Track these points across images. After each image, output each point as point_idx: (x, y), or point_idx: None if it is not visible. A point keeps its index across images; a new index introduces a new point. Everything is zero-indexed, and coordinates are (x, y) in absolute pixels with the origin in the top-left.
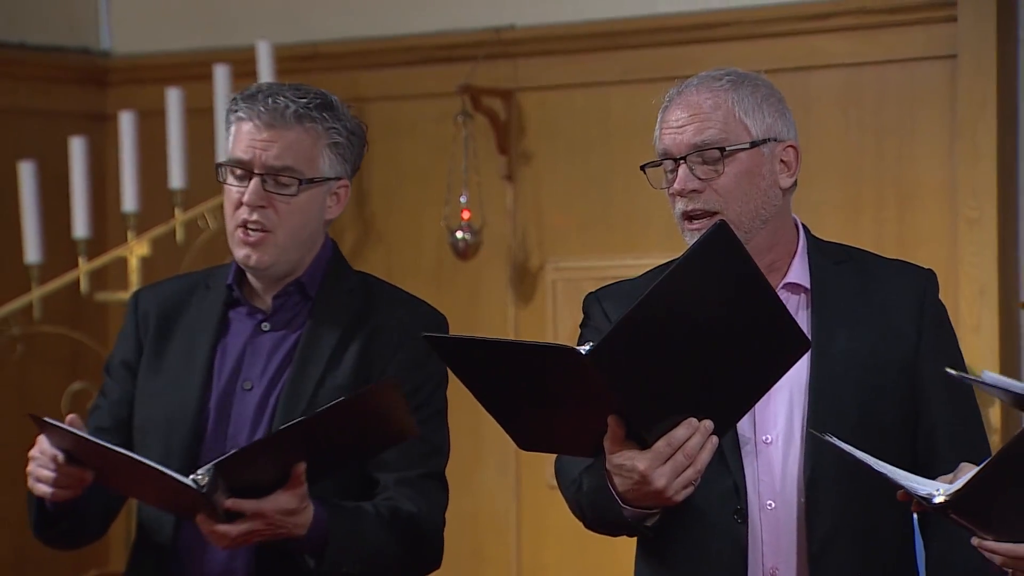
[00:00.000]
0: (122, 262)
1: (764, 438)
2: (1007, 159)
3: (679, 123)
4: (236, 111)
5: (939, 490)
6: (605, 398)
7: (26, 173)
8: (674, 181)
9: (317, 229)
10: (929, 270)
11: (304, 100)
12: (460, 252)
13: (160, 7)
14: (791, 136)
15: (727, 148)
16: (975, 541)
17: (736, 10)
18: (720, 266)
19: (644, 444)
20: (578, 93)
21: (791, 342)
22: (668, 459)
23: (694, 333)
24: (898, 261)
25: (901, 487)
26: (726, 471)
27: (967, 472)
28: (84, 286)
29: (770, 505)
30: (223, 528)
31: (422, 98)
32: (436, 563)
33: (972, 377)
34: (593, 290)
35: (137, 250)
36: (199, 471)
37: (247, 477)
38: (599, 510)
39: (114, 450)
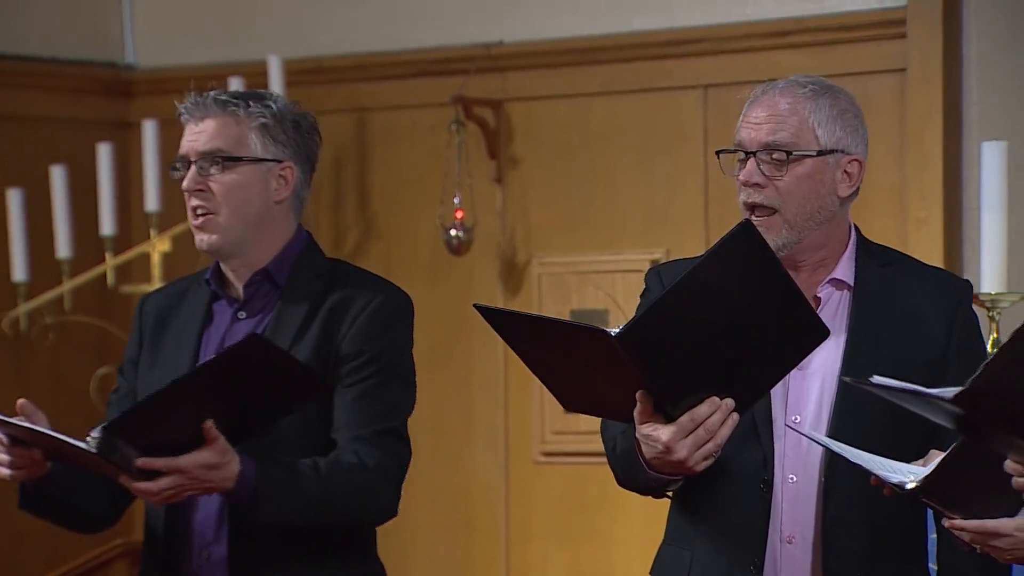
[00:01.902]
0: (145, 257)
1: (794, 418)
2: (952, 164)
3: (757, 120)
4: (180, 116)
5: (911, 476)
6: (634, 375)
7: (57, 176)
8: (743, 171)
9: (266, 210)
10: (966, 280)
11: (228, 93)
12: (454, 249)
13: (180, 25)
14: (859, 151)
15: (794, 152)
16: (945, 522)
17: (704, 28)
18: (743, 262)
19: (670, 417)
20: (561, 103)
21: (811, 330)
22: (690, 433)
23: (718, 320)
24: (939, 269)
25: (875, 475)
26: (757, 445)
27: (936, 457)
28: (111, 279)
29: (792, 479)
30: (143, 485)
31: (419, 108)
32: (388, 511)
33: (863, 382)
34: (655, 264)
35: (159, 246)
36: (92, 433)
37: (154, 436)
38: (628, 472)
39: (25, 427)
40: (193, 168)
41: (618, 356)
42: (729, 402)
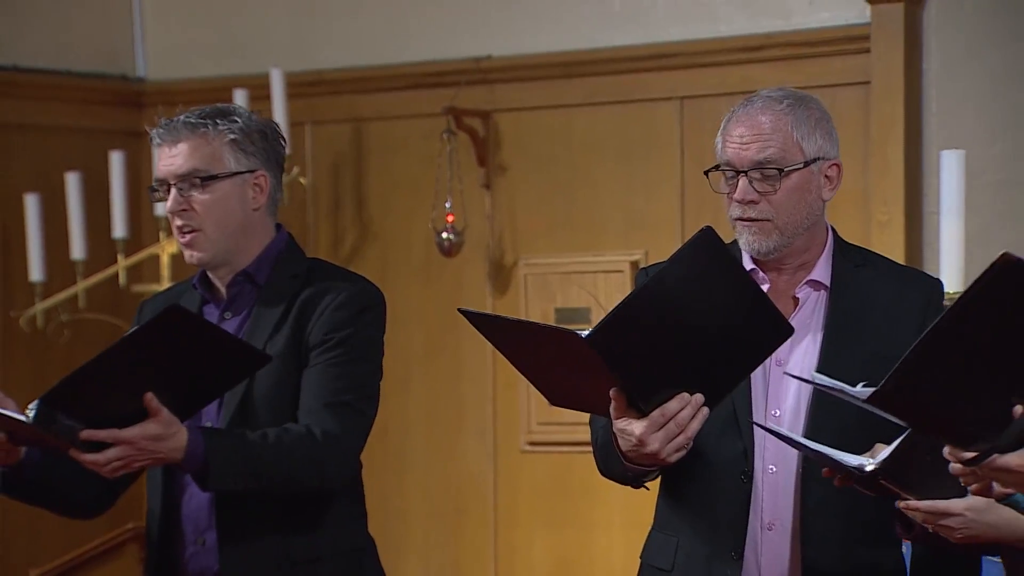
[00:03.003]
0: (155, 259)
1: (774, 412)
2: (913, 172)
3: (743, 139)
4: (151, 140)
5: (868, 461)
6: (607, 373)
7: (72, 182)
8: (734, 188)
9: (246, 219)
10: (937, 280)
11: (195, 114)
12: (445, 250)
13: (188, 40)
14: (836, 154)
15: (785, 168)
16: (901, 504)
17: (681, 43)
18: (706, 266)
19: (643, 412)
20: (546, 114)
21: (776, 328)
22: (662, 427)
23: (685, 321)
24: (912, 269)
25: (835, 461)
26: (738, 437)
27: (880, 450)
28: (122, 279)
29: (772, 469)
30: (91, 457)
31: (412, 118)
32: (336, 478)
33: (804, 378)
34: (644, 266)
35: (168, 248)
36: (30, 405)
37: (95, 409)
38: (607, 463)
39: None
40: (174, 191)
41: (591, 356)
42: (699, 397)
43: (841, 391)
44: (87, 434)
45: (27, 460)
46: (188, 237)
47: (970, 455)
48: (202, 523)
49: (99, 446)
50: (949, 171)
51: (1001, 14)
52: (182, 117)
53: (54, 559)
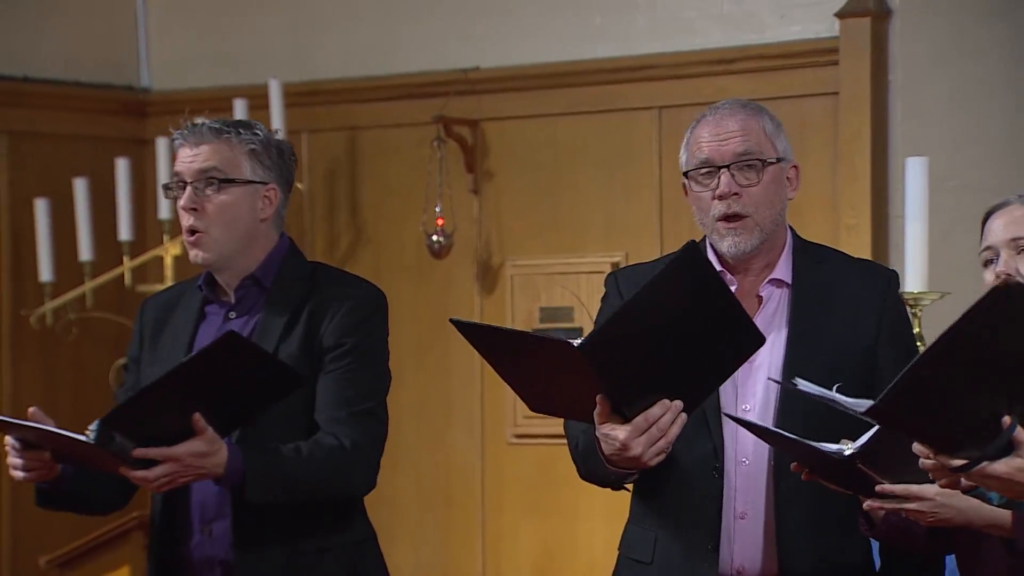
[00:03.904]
0: (159, 260)
1: (744, 407)
2: (879, 178)
3: (720, 137)
4: (174, 141)
5: (847, 446)
6: (593, 380)
7: (80, 188)
8: (714, 187)
9: (253, 227)
10: (893, 271)
11: (219, 121)
12: (435, 252)
13: (190, 52)
14: (793, 158)
15: (765, 160)
16: (877, 487)
17: (658, 55)
18: (689, 279)
19: (626, 418)
20: (531, 123)
21: (749, 338)
22: (644, 432)
23: (668, 331)
24: (868, 261)
25: (811, 447)
26: (708, 435)
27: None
28: (128, 280)
29: (744, 461)
30: (141, 473)
31: (404, 126)
32: (365, 485)
33: (787, 383)
34: (613, 270)
35: (171, 250)
36: (90, 427)
37: (147, 428)
38: (589, 466)
39: (33, 427)
40: (189, 188)
41: (580, 364)
42: (678, 403)
43: (831, 400)
44: (140, 452)
45: (62, 475)
46: (195, 238)
47: (959, 462)
48: (209, 513)
49: (148, 463)
50: (914, 177)
51: (963, 29)
52: (207, 123)
53: (62, 547)
